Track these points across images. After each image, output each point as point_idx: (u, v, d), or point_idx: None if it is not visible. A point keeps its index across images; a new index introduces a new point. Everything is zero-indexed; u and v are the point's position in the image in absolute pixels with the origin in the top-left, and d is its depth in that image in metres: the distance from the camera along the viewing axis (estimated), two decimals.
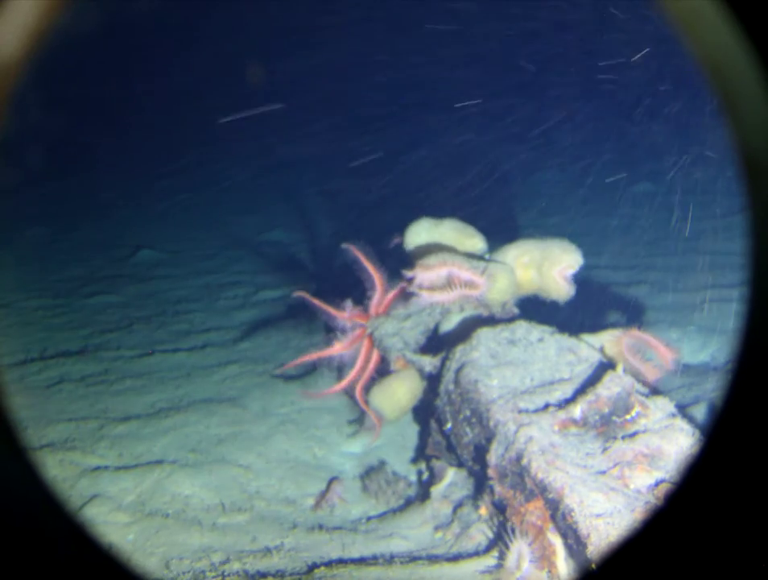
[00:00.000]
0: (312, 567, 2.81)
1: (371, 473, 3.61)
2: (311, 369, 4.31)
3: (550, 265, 3.55)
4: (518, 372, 3.05)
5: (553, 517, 2.48)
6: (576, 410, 2.73)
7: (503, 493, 2.69)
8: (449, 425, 3.19)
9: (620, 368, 2.90)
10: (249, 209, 9.40)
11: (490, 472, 2.73)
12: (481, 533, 2.94)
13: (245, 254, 7.73)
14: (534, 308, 3.70)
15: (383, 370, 3.72)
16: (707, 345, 4.59)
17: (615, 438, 2.64)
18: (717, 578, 1.10)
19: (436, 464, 3.43)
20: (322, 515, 3.33)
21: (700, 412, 3.59)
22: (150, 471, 3.44)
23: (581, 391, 2.86)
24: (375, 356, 3.73)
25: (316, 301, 3.65)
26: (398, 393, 3.56)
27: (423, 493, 3.41)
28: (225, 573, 2.76)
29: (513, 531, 2.59)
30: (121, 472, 3.43)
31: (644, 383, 2.99)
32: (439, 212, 3.84)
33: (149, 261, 7.55)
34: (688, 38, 1.12)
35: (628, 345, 3.25)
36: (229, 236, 8.35)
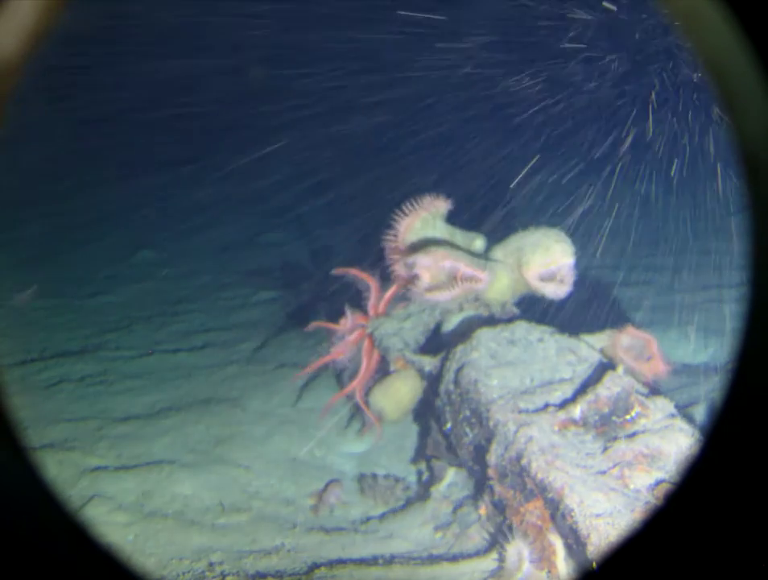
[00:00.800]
0: (312, 567, 2.81)
1: (371, 473, 3.61)
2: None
3: (525, 267, 3.43)
4: (518, 372, 3.05)
5: (553, 517, 2.48)
6: (576, 410, 2.73)
7: (503, 493, 2.69)
8: (449, 425, 3.19)
9: (620, 369, 2.90)
10: (250, 209, 9.39)
11: (490, 472, 2.73)
12: (480, 533, 2.94)
13: (245, 255, 7.73)
14: (534, 309, 3.70)
15: (382, 370, 3.73)
16: (707, 346, 4.59)
17: (615, 438, 2.64)
18: (717, 578, 1.10)
19: (436, 464, 3.43)
20: (322, 515, 3.33)
21: (700, 412, 3.59)
22: (149, 471, 3.44)
23: (581, 391, 2.86)
24: (375, 356, 3.73)
25: (320, 323, 3.78)
26: (401, 393, 3.54)
27: (423, 493, 3.41)
28: (225, 574, 2.76)
29: (513, 531, 2.59)
30: (121, 472, 3.43)
31: (644, 383, 2.99)
32: None
33: (149, 261, 7.55)
34: (689, 38, 1.12)
35: (627, 346, 3.25)
36: (228, 237, 8.35)
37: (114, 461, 3.56)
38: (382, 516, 3.32)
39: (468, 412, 3.03)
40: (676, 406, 2.80)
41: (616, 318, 4.91)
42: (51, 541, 1.11)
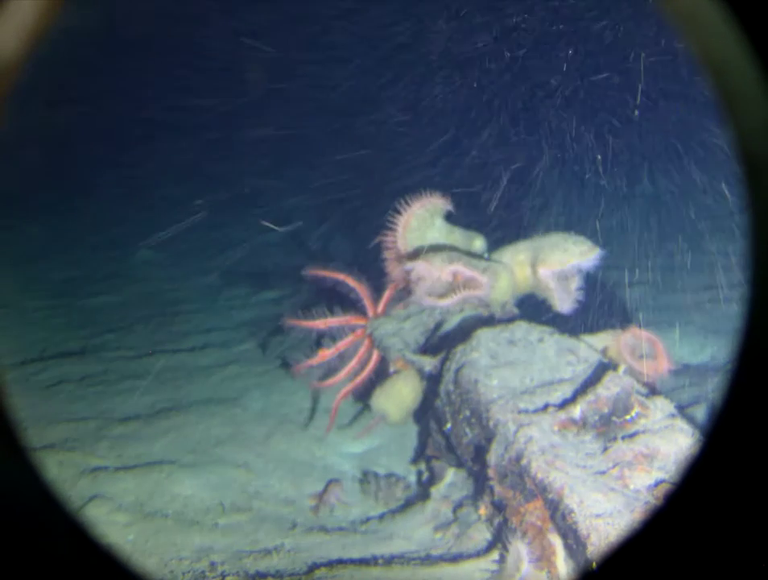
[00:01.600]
0: (312, 567, 2.81)
1: (371, 473, 3.61)
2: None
3: (541, 263, 3.46)
4: (518, 372, 3.05)
5: (553, 517, 2.48)
6: (576, 410, 2.73)
7: (503, 493, 2.69)
8: (449, 425, 3.19)
9: (621, 369, 2.90)
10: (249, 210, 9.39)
11: (490, 472, 2.73)
12: (480, 534, 2.94)
13: (245, 255, 7.73)
14: (533, 308, 3.70)
15: (382, 371, 3.73)
16: (707, 346, 4.59)
17: (615, 438, 2.64)
18: (717, 578, 1.10)
19: (436, 464, 3.43)
20: (322, 515, 3.33)
21: (700, 412, 3.59)
22: (150, 472, 3.44)
23: (581, 391, 2.86)
24: (375, 356, 3.73)
25: (296, 321, 3.83)
26: (403, 394, 3.54)
27: (423, 493, 3.41)
28: (225, 574, 2.76)
29: (513, 531, 2.59)
30: (121, 472, 3.43)
31: (644, 384, 2.99)
32: None
33: (149, 261, 7.55)
34: (689, 38, 1.12)
35: (627, 345, 3.25)
36: (229, 237, 8.35)
37: (114, 461, 3.56)
38: (382, 516, 3.32)
39: (468, 412, 3.03)
40: (676, 406, 2.79)
41: (616, 318, 4.91)
42: (52, 541, 1.11)
